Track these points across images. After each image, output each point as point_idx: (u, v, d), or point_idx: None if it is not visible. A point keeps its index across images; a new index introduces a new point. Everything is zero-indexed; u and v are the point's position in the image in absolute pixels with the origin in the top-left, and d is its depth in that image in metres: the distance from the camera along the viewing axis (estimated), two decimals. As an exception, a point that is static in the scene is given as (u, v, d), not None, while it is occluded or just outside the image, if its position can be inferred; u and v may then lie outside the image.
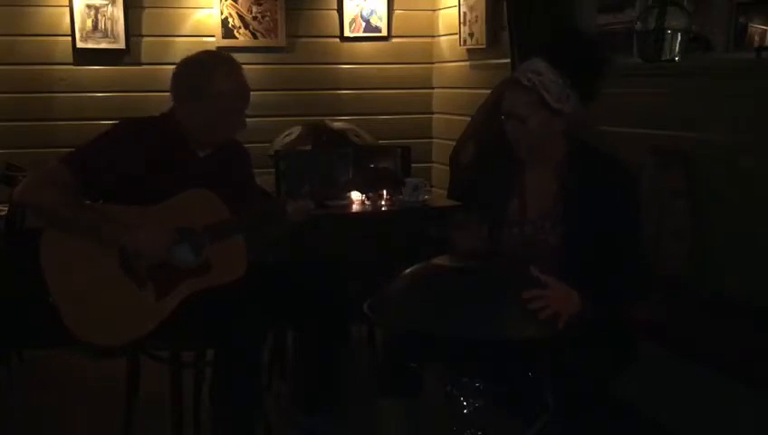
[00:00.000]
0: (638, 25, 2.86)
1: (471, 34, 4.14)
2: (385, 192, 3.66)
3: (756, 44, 2.65)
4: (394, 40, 4.62)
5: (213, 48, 4.15)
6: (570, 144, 2.21)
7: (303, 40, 4.51)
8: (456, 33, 4.31)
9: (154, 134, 2.46)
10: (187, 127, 2.47)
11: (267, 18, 4.39)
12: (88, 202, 2.40)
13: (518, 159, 2.25)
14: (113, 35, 4.15)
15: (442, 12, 4.58)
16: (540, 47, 2.21)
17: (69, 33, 4.12)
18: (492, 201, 2.29)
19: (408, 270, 1.81)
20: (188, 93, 2.44)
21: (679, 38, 2.76)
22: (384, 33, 4.58)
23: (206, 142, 2.51)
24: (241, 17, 4.34)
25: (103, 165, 2.36)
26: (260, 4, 4.37)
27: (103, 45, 4.15)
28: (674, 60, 2.77)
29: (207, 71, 2.44)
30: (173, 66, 2.51)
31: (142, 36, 4.23)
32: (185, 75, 2.47)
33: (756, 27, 2.75)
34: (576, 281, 1.95)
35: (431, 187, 4.14)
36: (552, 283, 1.87)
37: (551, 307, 1.80)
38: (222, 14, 4.31)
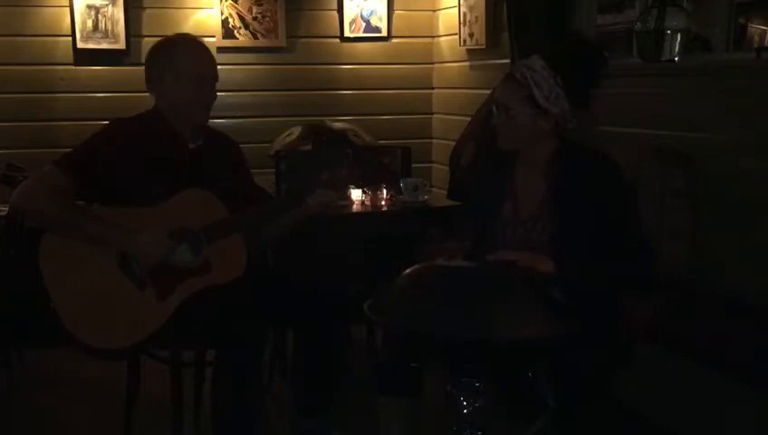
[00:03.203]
0: (638, 26, 2.86)
1: (471, 35, 4.14)
2: (385, 192, 3.66)
3: (756, 44, 2.66)
4: (394, 40, 4.62)
5: (213, 48, 4.15)
6: (558, 144, 2.22)
7: (304, 40, 4.51)
8: (455, 34, 4.31)
9: (143, 131, 2.48)
10: (166, 112, 2.49)
11: (267, 18, 4.39)
12: (84, 204, 2.40)
13: (504, 153, 2.26)
14: (113, 36, 4.15)
15: (442, 12, 4.58)
16: (541, 48, 2.22)
17: (69, 33, 4.12)
18: (485, 202, 2.30)
19: (407, 270, 1.81)
20: (154, 72, 2.49)
21: (679, 38, 2.76)
22: (384, 33, 4.58)
23: (185, 122, 2.51)
24: (241, 18, 4.34)
25: (98, 165, 2.36)
26: (260, 5, 4.37)
27: (104, 45, 4.16)
28: (674, 60, 2.77)
29: (169, 44, 2.53)
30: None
31: (142, 36, 4.22)
32: (151, 56, 2.52)
33: (756, 27, 2.75)
34: (571, 281, 1.95)
35: (431, 187, 4.14)
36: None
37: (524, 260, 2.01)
38: (222, 14, 4.31)
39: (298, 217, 2.52)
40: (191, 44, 2.55)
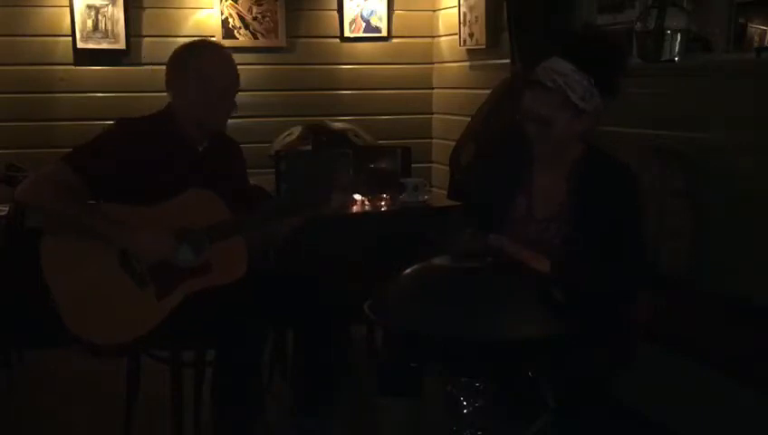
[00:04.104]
0: (638, 26, 2.86)
1: (471, 35, 4.14)
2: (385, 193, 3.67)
3: (756, 44, 2.66)
4: (394, 40, 4.62)
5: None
6: (582, 147, 2.21)
7: (304, 40, 4.51)
8: (455, 34, 4.31)
9: (152, 131, 2.48)
10: (181, 115, 2.48)
11: (267, 18, 4.39)
12: (90, 202, 2.40)
13: (536, 158, 2.23)
14: (113, 36, 4.15)
15: (442, 12, 4.58)
16: (560, 47, 2.18)
17: (69, 33, 4.12)
18: (496, 197, 2.28)
19: (407, 270, 1.81)
20: (178, 74, 2.48)
21: (679, 38, 2.76)
22: (384, 33, 4.58)
23: (201, 128, 2.51)
24: (241, 18, 4.35)
25: (105, 164, 2.37)
26: (260, 5, 4.37)
27: (104, 45, 4.16)
28: (674, 60, 2.77)
29: (194, 49, 2.51)
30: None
31: (142, 36, 4.23)
32: (174, 58, 2.51)
33: (756, 27, 2.75)
34: (577, 283, 1.95)
35: (431, 187, 4.14)
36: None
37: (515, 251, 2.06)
38: (222, 14, 4.31)
39: (284, 227, 2.52)
40: (220, 54, 2.53)
